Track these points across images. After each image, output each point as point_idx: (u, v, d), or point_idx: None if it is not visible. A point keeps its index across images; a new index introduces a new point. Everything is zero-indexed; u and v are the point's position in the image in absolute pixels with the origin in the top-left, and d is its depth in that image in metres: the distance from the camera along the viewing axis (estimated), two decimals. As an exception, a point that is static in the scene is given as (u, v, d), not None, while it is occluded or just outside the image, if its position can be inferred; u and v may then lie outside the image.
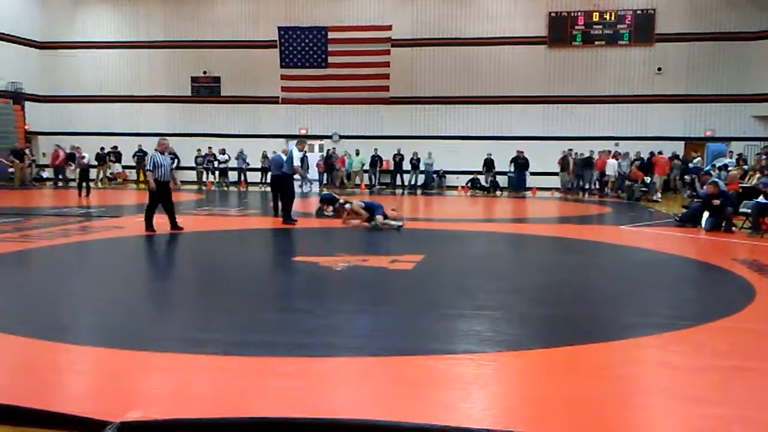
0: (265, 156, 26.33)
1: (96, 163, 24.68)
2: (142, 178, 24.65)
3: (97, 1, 28.84)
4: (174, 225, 11.35)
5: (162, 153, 11.29)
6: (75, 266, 8.53)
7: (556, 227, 14.31)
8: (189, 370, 4.23)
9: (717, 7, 24.80)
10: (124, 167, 28.01)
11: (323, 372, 4.21)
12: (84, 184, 19.22)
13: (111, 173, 27.09)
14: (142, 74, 28.88)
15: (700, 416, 3.58)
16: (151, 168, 11.07)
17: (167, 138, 11.75)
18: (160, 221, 11.34)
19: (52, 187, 24.59)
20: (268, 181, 23.17)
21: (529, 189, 24.89)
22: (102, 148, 26.18)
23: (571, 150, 24.43)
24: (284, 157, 13.16)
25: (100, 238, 10.82)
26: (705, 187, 13.37)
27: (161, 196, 11.18)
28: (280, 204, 13.35)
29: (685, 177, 23.04)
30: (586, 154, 24.11)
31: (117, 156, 27.62)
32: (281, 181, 13.06)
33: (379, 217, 12.07)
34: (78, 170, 19.88)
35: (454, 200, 22.31)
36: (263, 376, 4.11)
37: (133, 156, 26.59)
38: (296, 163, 13.39)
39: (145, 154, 23.42)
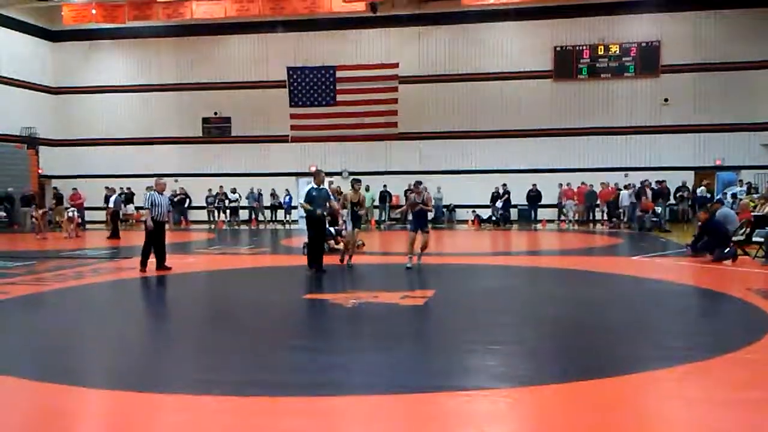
0: (274, 194, 26.56)
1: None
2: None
3: (108, 46, 29.48)
4: (161, 265, 11.27)
5: (160, 193, 11.35)
6: (85, 308, 8.54)
7: (568, 259, 14.21)
8: (200, 411, 4.20)
9: (721, 37, 24.96)
10: (137, 208, 28.16)
11: (335, 411, 4.17)
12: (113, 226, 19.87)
13: (123, 214, 27.24)
14: (154, 116, 29.30)
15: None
16: (149, 206, 11.07)
17: (167, 178, 11.70)
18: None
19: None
20: (287, 218, 22.70)
21: (539, 221, 24.86)
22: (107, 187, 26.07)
23: (647, 180, 22.82)
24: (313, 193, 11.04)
25: (111, 280, 10.87)
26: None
27: (157, 236, 11.17)
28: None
29: (696, 206, 22.83)
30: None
31: (129, 197, 27.83)
32: (321, 221, 11.40)
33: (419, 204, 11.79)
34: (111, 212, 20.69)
35: (464, 234, 22.25)
36: (275, 416, 4.08)
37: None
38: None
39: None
